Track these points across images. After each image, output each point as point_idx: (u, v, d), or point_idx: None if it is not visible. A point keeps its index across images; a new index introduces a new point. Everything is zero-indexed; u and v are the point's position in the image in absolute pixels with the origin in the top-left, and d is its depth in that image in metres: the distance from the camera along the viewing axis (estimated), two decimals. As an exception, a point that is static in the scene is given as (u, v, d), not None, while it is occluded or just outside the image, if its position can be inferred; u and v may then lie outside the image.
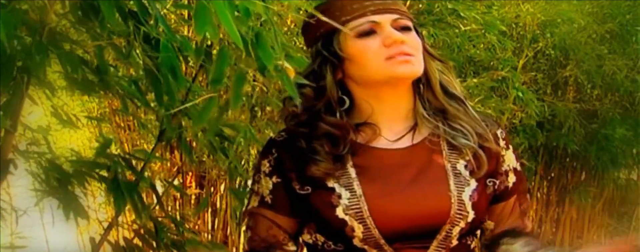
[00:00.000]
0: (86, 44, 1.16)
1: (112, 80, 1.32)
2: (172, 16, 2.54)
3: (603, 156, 4.63)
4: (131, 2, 1.09)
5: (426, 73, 1.24)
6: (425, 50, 1.25)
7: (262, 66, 0.96)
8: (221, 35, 0.98)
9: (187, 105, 1.34)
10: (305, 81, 1.21)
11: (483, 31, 3.34)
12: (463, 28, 3.17)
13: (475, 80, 3.45)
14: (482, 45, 3.51)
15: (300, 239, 1.29)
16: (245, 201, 1.33)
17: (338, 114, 1.24)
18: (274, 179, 1.26)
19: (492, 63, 3.70)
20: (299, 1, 0.98)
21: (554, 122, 4.53)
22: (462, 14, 3.12)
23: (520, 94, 3.64)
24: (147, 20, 1.06)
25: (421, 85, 1.25)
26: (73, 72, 1.14)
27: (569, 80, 4.62)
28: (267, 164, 1.27)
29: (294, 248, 1.28)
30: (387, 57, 1.19)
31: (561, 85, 4.69)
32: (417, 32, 1.25)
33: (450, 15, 3.12)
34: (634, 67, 4.45)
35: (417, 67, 1.21)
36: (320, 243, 1.24)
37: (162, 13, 1.10)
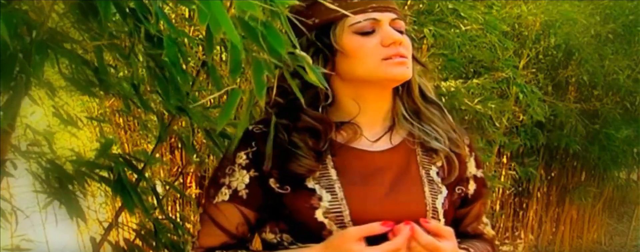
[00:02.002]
0: (86, 44, 1.15)
1: (112, 80, 1.31)
2: (172, 15, 2.54)
3: (604, 156, 4.63)
4: (131, 2, 1.08)
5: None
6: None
7: (275, 53, 0.95)
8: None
9: (204, 100, 1.34)
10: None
11: (484, 31, 3.33)
12: (464, 28, 3.15)
13: (476, 80, 3.44)
14: (483, 46, 3.51)
15: (261, 236, 1.25)
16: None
17: (321, 109, 1.20)
18: (252, 172, 1.20)
19: (493, 63, 3.69)
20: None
21: (555, 122, 4.53)
22: (462, 14, 3.11)
23: (525, 90, 3.62)
24: (147, 18, 1.05)
25: (400, 87, 1.24)
26: (73, 73, 1.14)
27: (570, 81, 4.62)
28: (244, 157, 1.20)
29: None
30: (384, 57, 1.17)
31: (562, 86, 4.69)
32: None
33: (451, 15, 3.11)
34: (635, 67, 4.45)
35: (409, 71, 1.20)
36: (286, 243, 1.20)
37: (163, 11, 1.09)
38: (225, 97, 2.93)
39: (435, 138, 1.24)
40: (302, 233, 1.18)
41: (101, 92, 1.40)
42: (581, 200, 5.01)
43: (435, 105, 1.27)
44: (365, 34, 1.18)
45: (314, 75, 1.02)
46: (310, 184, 1.17)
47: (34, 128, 1.38)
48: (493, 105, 3.41)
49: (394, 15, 1.20)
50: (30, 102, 1.23)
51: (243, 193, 1.20)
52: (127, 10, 1.05)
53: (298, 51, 1.02)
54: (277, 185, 1.19)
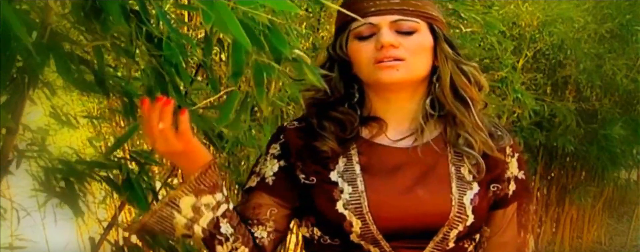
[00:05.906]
0: (86, 44, 1.16)
1: (112, 80, 1.32)
2: (172, 16, 2.53)
3: (603, 156, 4.63)
4: (131, 2, 1.09)
5: (439, 73, 1.23)
6: (440, 49, 1.22)
7: (277, 55, 0.95)
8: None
9: (206, 102, 1.34)
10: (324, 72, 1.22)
11: (484, 31, 3.34)
12: (464, 29, 3.16)
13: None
14: (481, 46, 3.51)
15: (300, 233, 1.29)
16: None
17: (347, 105, 1.24)
18: (282, 162, 1.25)
19: (491, 64, 3.70)
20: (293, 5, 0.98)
21: (554, 122, 4.53)
22: (463, 15, 3.11)
23: (519, 96, 3.65)
24: (149, 19, 1.06)
25: (434, 85, 1.23)
26: (73, 73, 1.14)
27: (569, 80, 4.62)
28: (277, 148, 1.26)
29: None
30: (376, 60, 1.18)
31: (561, 85, 4.69)
32: (433, 30, 1.22)
33: (451, 16, 3.11)
34: (633, 66, 4.46)
35: (402, 73, 1.19)
36: (316, 237, 1.24)
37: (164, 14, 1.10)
38: (225, 97, 2.93)
39: (466, 142, 1.22)
40: (327, 225, 1.21)
41: (101, 92, 1.40)
42: (581, 200, 5.00)
43: (463, 103, 1.23)
44: (363, 38, 1.20)
45: (313, 75, 1.03)
46: (334, 177, 1.21)
47: (33, 127, 1.38)
48: (493, 105, 3.42)
49: (396, 17, 1.19)
50: (29, 102, 1.23)
51: (269, 180, 1.24)
52: (129, 10, 1.06)
53: (297, 51, 1.03)
54: (303, 176, 1.23)
